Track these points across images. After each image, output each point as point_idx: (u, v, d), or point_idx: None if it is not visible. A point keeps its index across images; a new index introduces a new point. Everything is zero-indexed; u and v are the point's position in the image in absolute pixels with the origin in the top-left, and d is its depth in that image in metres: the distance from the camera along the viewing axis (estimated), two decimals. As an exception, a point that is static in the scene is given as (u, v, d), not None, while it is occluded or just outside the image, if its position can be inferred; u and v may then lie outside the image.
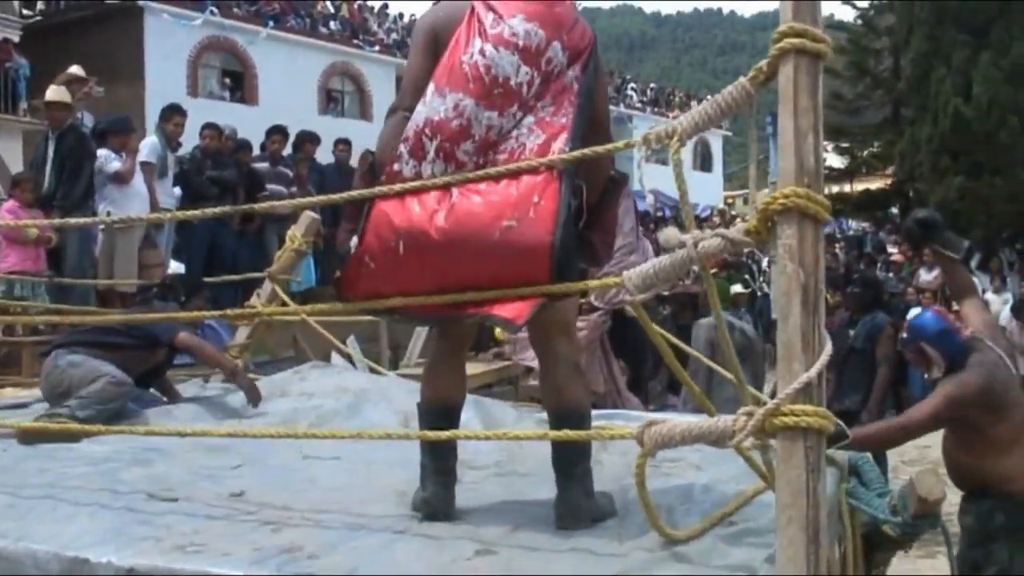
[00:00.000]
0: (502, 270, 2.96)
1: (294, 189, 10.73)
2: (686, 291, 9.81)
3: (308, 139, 11.75)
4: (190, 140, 10.34)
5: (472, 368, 6.95)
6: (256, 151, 11.40)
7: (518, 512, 3.28)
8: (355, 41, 30.74)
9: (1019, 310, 13.35)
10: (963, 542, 4.33)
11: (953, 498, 4.44)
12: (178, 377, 5.94)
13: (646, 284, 2.68)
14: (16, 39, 21.58)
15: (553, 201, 2.93)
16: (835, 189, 29.16)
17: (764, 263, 15.26)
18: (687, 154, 42.93)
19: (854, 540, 3.85)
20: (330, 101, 29.97)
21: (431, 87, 3.08)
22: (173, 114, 9.74)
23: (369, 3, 35.46)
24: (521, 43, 3.06)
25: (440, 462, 3.22)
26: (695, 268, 2.70)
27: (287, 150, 11.50)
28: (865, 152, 26.41)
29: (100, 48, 21.20)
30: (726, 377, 6.67)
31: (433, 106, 3.06)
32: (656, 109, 42.14)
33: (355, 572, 2.64)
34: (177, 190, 9.88)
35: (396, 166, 3.10)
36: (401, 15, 36.01)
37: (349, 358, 7.71)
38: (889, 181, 24.91)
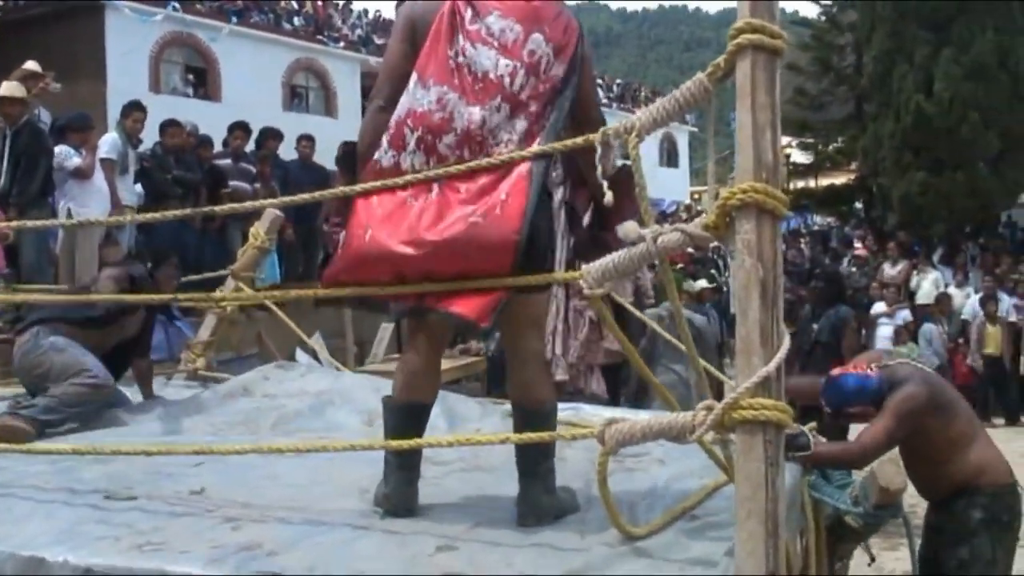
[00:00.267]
0: (466, 265, 2.97)
1: (257, 186, 10.66)
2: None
3: (271, 135, 11.67)
4: (152, 136, 10.24)
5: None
6: (219, 147, 11.32)
7: (480, 508, 3.29)
8: (319, 37, 30.53)
9: (986, 301, 13.50)
10: (944, 541, 4.34)
11: (913, 490, 4.48)
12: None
13: (604, 277, 2.69)
14: (-25, 36, 21.28)
15: (521, 199, 2.95)
16: (800, 184, 29.36)
17: (730, 258, 15.32)
18: (653, 150, 43.18)
19: (817, 532, 3.88)
20: (295, 97, 29.76)
21: (414, 78, 3.09)
22: (132, 110, 9.66)
23: (334, -1, 35.32)
24: (497, 41, 3.08)
25: (404, 458, 3.20)
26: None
27: (250, 146, 11.42)
28: (829, 147, 26.57)
29: (61, 44, 20.91)
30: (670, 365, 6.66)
31: (416, 97, 3.07)
32: (623, 105, 42.17)
33: (315, 569, 2.62)
34: (139, 187, 9.79)
35: (375, 155, 3.12)
36: (366, 11, 35.83)
37: (314, 354, 7.68)
38: (853, 176, 25.07)
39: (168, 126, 10.03)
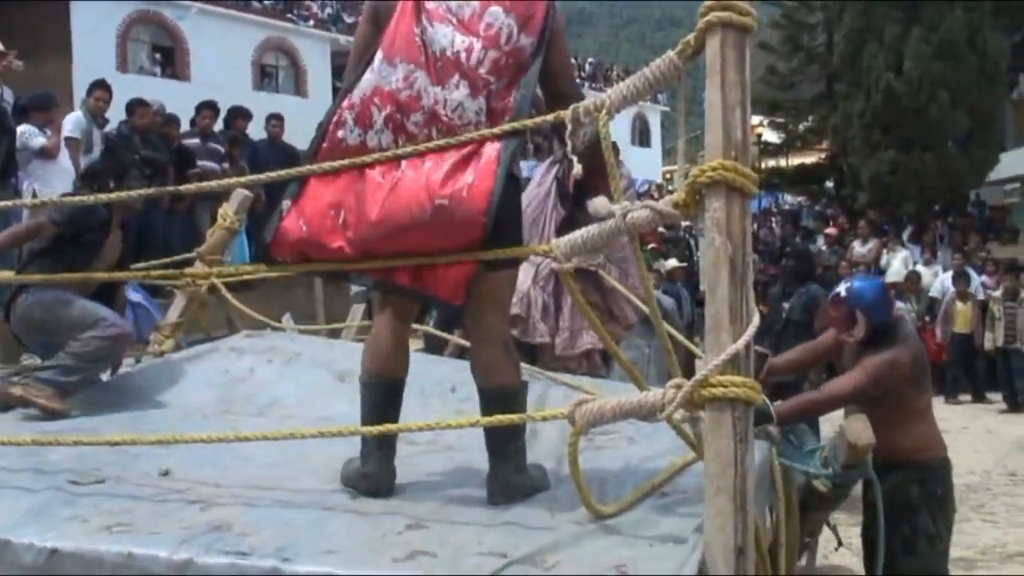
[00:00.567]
0: (433, 246, 2.97)
1: (226, 165, 10.57)
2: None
3: (240, 115, 11.57)
4: (119, 116, 10.13)
5: (415, 343, 6.92)
6: (187, 127, 11.21)
7: (451, 486, 3.30)
8: (289, 16, 30.33)
9: (957, 279, 13.61)
10: (885, 519, 4.38)
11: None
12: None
13: (574, 252, 2.69)
14: (-63, 14, 20.96)
15: (488, 182, 2.93)
16: (771, 163, 29.48)
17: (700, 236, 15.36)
18: (625, 129, 43.23)
19: (787, 505, 3.90)
20: (264, 77, 29.57)
21: (380, 56, 3.07)
22: (96, 89, 9.55)
23: (303, -23, 35.04)
24: (455, 17, 3.06)
25: (382, 439, 3.18)
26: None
27: (218, 126, 11.32)
28: (800, 127, 26.67)
29: (25, 22, 20.63)
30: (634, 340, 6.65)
31: (383, 75, 3.05)
32: (595, 84, 42.16)
33: (284, 550, 2.61)
34: (104, 166, 9.68)
35: (340, 133, 3.10)
36: (336, -11, 35.62)
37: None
38: (823, 155, 25.20)
39: (135, 106, 9.91)
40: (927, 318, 14.04)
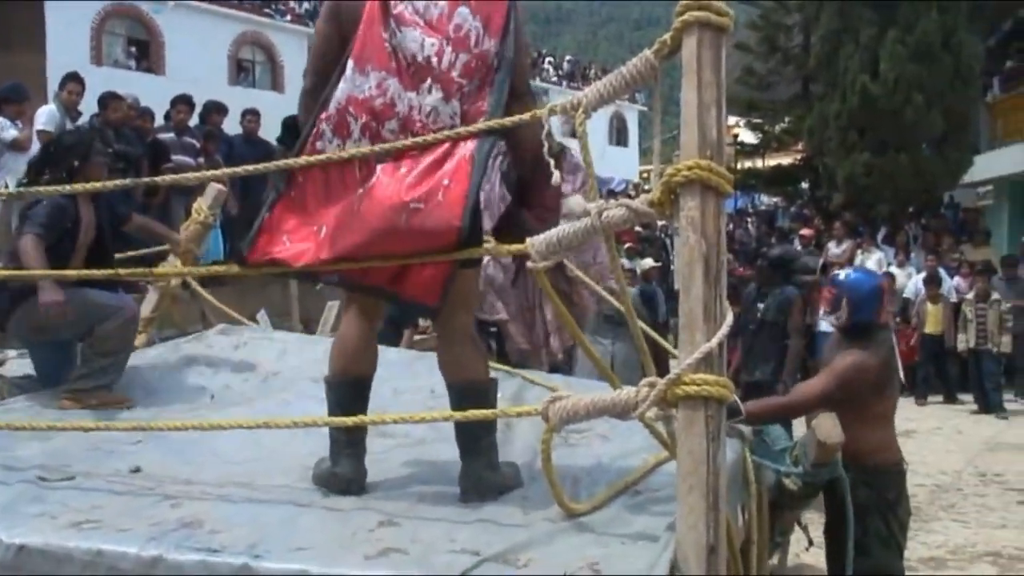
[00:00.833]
0: (410, 252, 2.97)
1: (201, 160, 10.51)
2: None
3: (215, 109, 11.50)
4: (92, 109, 10.05)
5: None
6: (162, 122, 11.14)
7: (425, 482, 3.30)
8: (266, 10, 30.19)
9: (928, 281, 13.69)
10: (836, 521, 4.41)
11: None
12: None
13: (550, 251, 2.68)
14: (-92, 6, 20.72)
15: (463, 185, 2.93)
16: (747, 164, 29.59)
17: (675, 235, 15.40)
18: (603, 129, 43.31)
19: (759, 503, 3.91)
20: (241, 71, 29.43)
21: (351, 64, 3.06)
22: (68, 82, 9.50)
23: (281, -28, 34.88)
24: (423, 19, 3.05)
25: (352, 435, 3.18)
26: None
27: (194, 120, 11.25)
28: (776, 127, 26.77)
29: (-1, 14, 20.45)
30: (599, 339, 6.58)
31: (356, 84, 3.04)
32: (572, 83, 42.24)
33: (256, 547, 2.60)
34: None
35: (319, 144, 3.09)
36: (314, -16, 35.48)
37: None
38: (799, 156, 25.29)
39: (108, 100, 9.84)
40: (898, 319, 14.13)
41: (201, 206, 6.06)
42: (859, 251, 15.67)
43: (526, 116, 2.95)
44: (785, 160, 27.03)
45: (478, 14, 3.06)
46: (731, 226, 23.02)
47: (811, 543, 5.02)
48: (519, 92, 3.17)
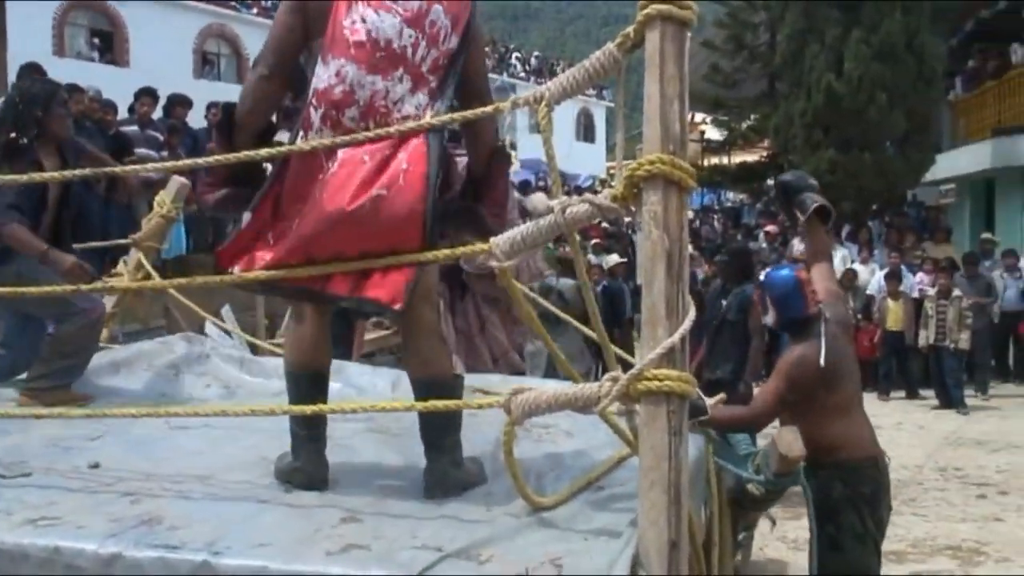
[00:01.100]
0: (374, 241, 2.93)
1: (164, 154, 10.41)
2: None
3: (179, 103, 11.42)
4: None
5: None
6: (126, 115, 11.04)
7: (388, 477, 3.29)
8: (232, 3, 29.96)
9: (889, 278, 13.80)
10: (814, 516, 4.42)
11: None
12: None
13: (514, 250, 2.67)
14: None
15: (422, 166, 2.92)
16: (714, 161, 29.73)
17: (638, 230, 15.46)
18: (570, 125, 43.35)
19: (720, 501, 3.93)
20: (206, 64, 29.19)
21: (319, 57, 3.03)
22: (27, 73, 9.36)
23: (247, -36, 34.63)
24: (401, 8, 3.03)
25: (313, 429, 3.17)
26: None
27: (157, 114, 11.14)
28: (742, 125, 26.91)
29: (-42, 4, 20.17)
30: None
31: (319, 74, 3.02)
32: (540, 79, 42.20)
33: (215, 544, 2.57)
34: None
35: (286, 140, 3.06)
36: (280, -23, 35.21)
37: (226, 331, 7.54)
38: (765, 154, 25.43)
39: (69, 92, 9.72)
40: (860, 316, 14.24)
41: (164, 199, 6.01)
42: (823, 248, 15.77)
43: (488, 109, 2.96)
44: (751, 157, 27.18)
45: (449, 13, 3.08)
46: (697, 223, 23.14)
47: (774, 523, 5.06)
48: (480, 92, 3.20)
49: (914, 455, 9.94)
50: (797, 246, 15.86)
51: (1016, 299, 14.01)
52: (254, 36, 29.52)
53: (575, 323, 5.12)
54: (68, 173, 4.08)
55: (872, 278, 14.57)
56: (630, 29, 2.47)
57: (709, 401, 4.09)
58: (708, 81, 24.09)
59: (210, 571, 2.48)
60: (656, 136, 2.37)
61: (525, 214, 5.98)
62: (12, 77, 13.01)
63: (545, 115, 2.63)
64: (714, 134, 30.61)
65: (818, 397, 4.31)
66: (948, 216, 20.15)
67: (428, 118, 2.96)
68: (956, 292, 13.01)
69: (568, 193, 3.93)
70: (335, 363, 3.50)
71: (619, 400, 2.46)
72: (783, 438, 4.04)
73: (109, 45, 26.54)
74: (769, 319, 4.61)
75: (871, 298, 14.27)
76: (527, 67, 45.34)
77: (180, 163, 3.62)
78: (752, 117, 25.62)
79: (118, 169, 4.90)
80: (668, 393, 2.34)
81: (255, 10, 30.48)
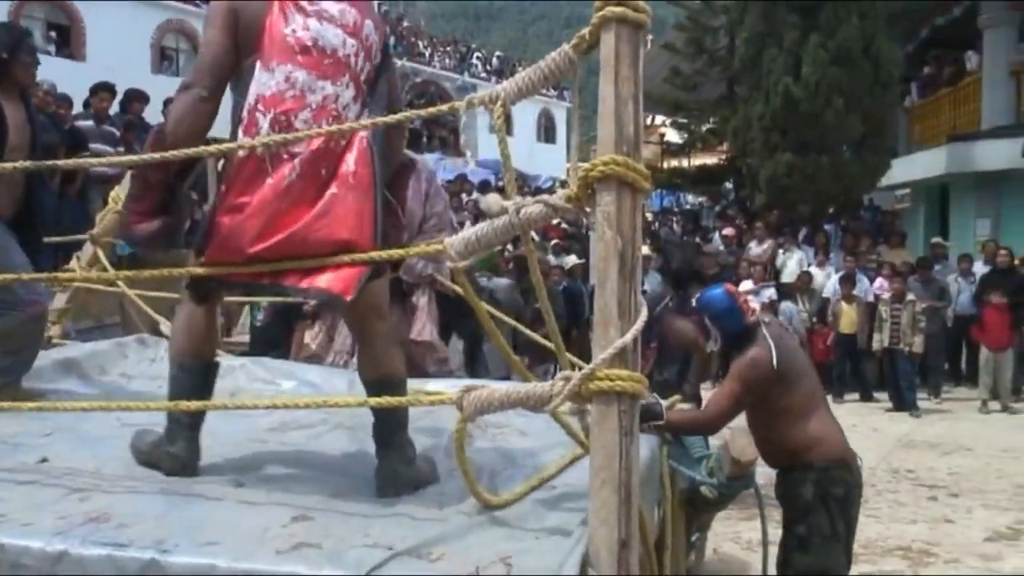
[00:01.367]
0: (328, 240, 2.97)
1: (120, 149, 10.30)
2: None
3: (136, 98, 11.29)
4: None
5: (309, 337, 6.84)
6: (81, 109, 10.90)
7: (340, 475, 3.28)
8: (192, -3, 29.70)
9: (844, 281, 13.94)
10: (783, 519, 4.46)
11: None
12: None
13: (468, 251, 2.67)
14: None
15: (368, 168, 3.03)
16: (673, 163, 29.86)
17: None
18: (531, 126, 43.41)
19: (673, 502, 3.96)
20: (164, 59, 28.89)
21: (258, 66, 3.06)
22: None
23: (207, -41, 34.29)
24: (339, 20, 3.14)
25: (195, 418, 3.24)
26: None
27: (114, 109, 11.02)
28: (702, 128, 27.03)
29: (-89, -5, 19.87)
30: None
31: (262, 82, 3.04)
32: (500, 80, 42.01)
33: (164, 542, 2.55)
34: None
35: (241, 153, 3.04)
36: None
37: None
38: (724, 156, 25.56)
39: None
40: (815, 319, 14.37)
41: (119, 195, 5.95)
42: (780, 250, 15.89)
43: (444, 107, 3.06)
44: (710, 160, 27.33)
45: (377, 30, 3.24)
46: (656, 225, 23.23)
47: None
48: (400, 100, 3.47)
49: (867, 457, 9.92)
50: (754, 249, 16.00)
51: (969, 303, 14.13)
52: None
53: (512, 322, 5.18)
54: (21, 164, 3.98)
55: (828, 281, 14.70)
56: (586, 31, 2.49)
57: (664, 403, 4.12)
58: (668, 84, 24.19)
59: (158, 569, 2.47)
60: (610, 137, 2.38)
61: (480, 214, 6.00)
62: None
63: (500, 115, 2.64)
64: (674, 137, 30.75)
65: (774, 398, 4.35)
66: (903, 221, 20.41)
67: (367, 139, 3.06)
68: (910, 296, 13.16)
69: (527, 194, 3.96)
70: (286, 363, 3.53)
71: (571, 399, 2.47)
72: (736, 442, 4.07)
73: (66, 39, 26.20)
74: (713, 344, 4.63)
75: (826, 301, 14.40)
76: (488, 67, 45.32)
77: (135, 157, 3.56)
78: (712, 120, 25.73)
79: (71, 163, 4.79)
80: (619, 393, 2.35)
81: (215, 5, 30.21)
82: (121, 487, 3.05)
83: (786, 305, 13.87)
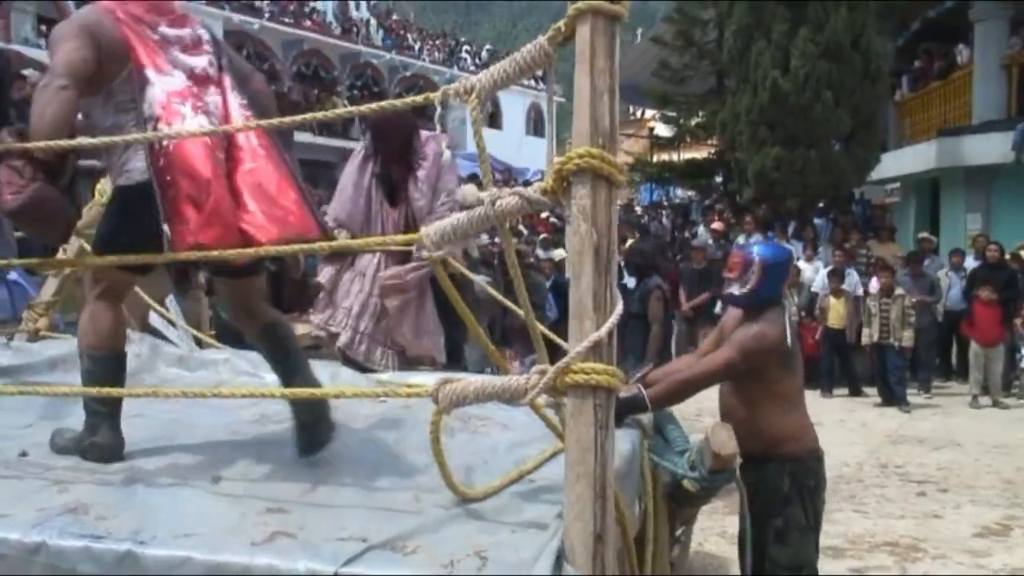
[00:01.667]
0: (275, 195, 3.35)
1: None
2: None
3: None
4: (-5, 87, 9.76)
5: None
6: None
7: (317, 468, 3.28)
8: (181, -9, 29.54)
9: (832, 275, 13.95)
10: (757, 510, 4.44)
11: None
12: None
13: (444, 241, 2.67)
14: None
15: (268, 139, 3.45)
16: (663, 157, 29.80)
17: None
18: (520, 119, 43.39)
19: (655, 496, 3.95)
20: (154, 52, 28.78)
21: (150, 73, 3.26)
22: (-27, 60, 9.20)
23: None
24: (181, 44, 3.47)
25: (114, 407, 3.32)
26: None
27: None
28: (691, 121, 26.96)
29: (-102, -14, 19.77)
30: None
31: (165, 81, 3.29)
32: (490, 73, 42.07)
33: (141, 532, 2.56)
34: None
35: (164, 142, 3.18)
36: (229, -34, 34.80)
37: (169, 320, 7.43)
38: (713, 150, 25.51)
39: (16, 80, 9.56)
40: (803, 313, 14.38)
41: (105, 188, 5.92)
42: (769, 245, 15.88)
43: (419, 98, 3.01)
44: (699, 154, 27.27)
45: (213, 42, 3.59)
46: (646, 218, 23.23)
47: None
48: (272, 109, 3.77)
49: (856, 452, 10.06)
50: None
51: (960, 298, 14.14)
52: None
53: (509, 304, 5.16)
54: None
55: (816, 276, 14.70)
56: (561, 23, 2.48)
57: (632, 390, 4.09)
58: (657, 77, 24.16)
59: (135, 561, 2.48)
60: (585, 130, 2.37)
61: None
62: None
63: (475, 106, 2.63)
64: (663, 130, 30.69)
65: (774, 378, 4.33)
66: (893, 215, 20.40)
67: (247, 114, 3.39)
68: (899, 291, 13.17)
69: (508, 185, 3.96)
70: (259, 356, 3.61)
71: (546, 392, 2.47)
72: (716, 435, 4.06)
73: (55, 31, 26.10)
74: (737, 288, 4.51)
75: (815, 295, 14.39)
76: (478, 61, 45.23)
77: (108, 138, 3.57)
78: (700, 114, 25.67)
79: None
80: (595, 386, 2.34)
81: (203, 1, 30.12)
82: (99, 479, 3.06)
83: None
